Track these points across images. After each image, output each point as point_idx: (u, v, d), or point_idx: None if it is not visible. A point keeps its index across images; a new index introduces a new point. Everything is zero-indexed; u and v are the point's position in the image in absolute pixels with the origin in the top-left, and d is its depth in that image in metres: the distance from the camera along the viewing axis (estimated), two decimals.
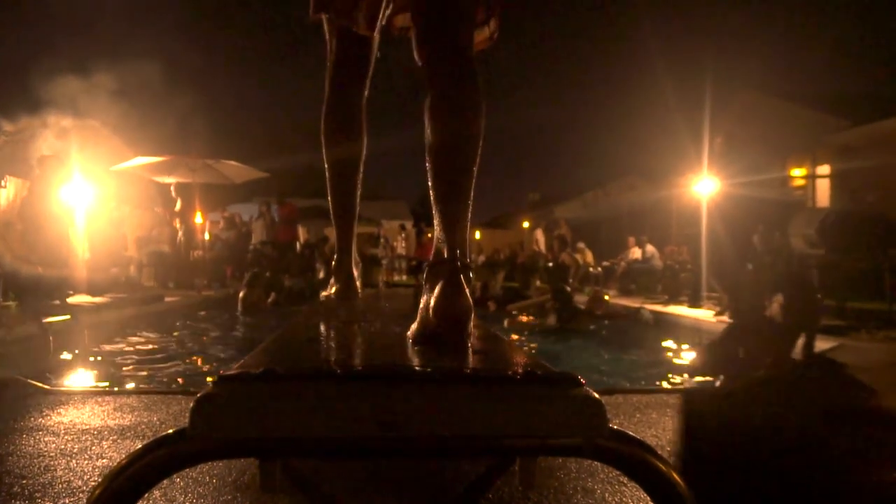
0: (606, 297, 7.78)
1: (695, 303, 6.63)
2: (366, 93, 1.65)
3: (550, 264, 13.79)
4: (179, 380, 4.11)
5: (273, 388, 0.77)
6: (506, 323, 6.91)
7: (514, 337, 6.44)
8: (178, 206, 10.27)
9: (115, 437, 2.00)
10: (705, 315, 6.28)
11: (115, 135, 11.38)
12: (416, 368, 0.94)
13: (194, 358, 4.88)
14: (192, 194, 10.21)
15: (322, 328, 1.48)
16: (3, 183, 7.45)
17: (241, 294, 8.02)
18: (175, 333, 6.04)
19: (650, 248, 11.51)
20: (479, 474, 1.57)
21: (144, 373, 4.22)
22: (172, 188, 10.38)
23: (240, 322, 7.29)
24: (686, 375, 4.59)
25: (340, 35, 1.53)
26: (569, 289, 7.40)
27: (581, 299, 7.68)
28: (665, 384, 4.30)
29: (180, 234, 10.20)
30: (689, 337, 5.98)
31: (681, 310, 6.74)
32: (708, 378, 4.31)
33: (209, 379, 4.15)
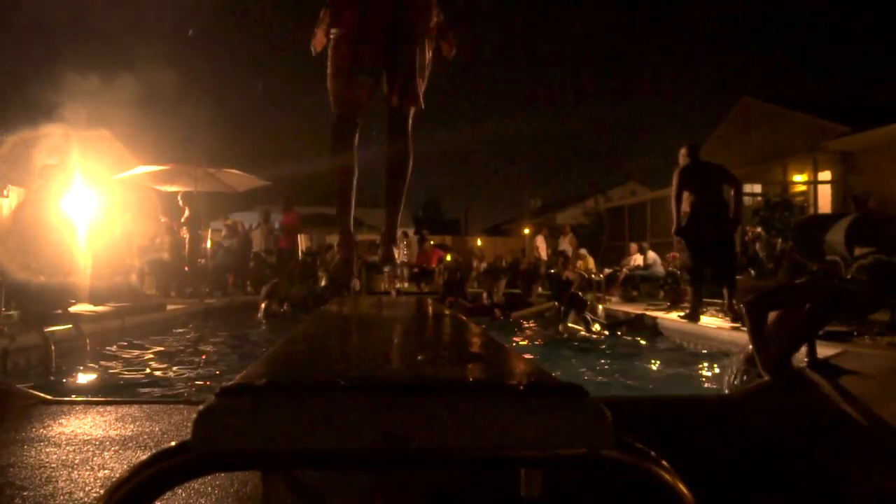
0: (600, 307, 7.77)
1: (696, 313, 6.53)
2: (357, 137, 2.41)
3: (553, 271, 13.79)
4: (183, 389, 4.10)
5: (276, 400, 0.77)
6: (560, 328, 6.79)
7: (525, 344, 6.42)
8: (186, 214, 10.30)
9: (117, 447, 1.99)
10: (707, 322, 6.26)
11: (122, 143, 11.41)
12: (420, 380, 0.94)
13: (197, 367, 4.87)
14: (197, 203, 10.25)
15: (324, 338, 1.47)
16: (4, 192, 7.46)
17: (262, 304, 8.20)
18: (177, 342, 6.04)
19: (651, 254, 11.50)
20: (482, 484, 1.56)
21: (146, 382, 4.21)
22: (180, 197, 10.41)
23: (242, 330, 7.28)
24: (689, 383, 4.58)
25: (341, 108, 2.32)
26: (581, 294, 7.42)
27: None
28: (670, 392, 4.28)
29: (187, 243, 10.22)
30: (691, 344, 5.97)
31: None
32: (712, 385, 4.30)
33: (208, 383, 4.15)
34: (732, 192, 6.23)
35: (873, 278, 3.11)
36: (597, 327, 6.82)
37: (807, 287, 3.19)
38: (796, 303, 3.09)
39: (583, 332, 6.61)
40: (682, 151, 6.41)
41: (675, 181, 6.29)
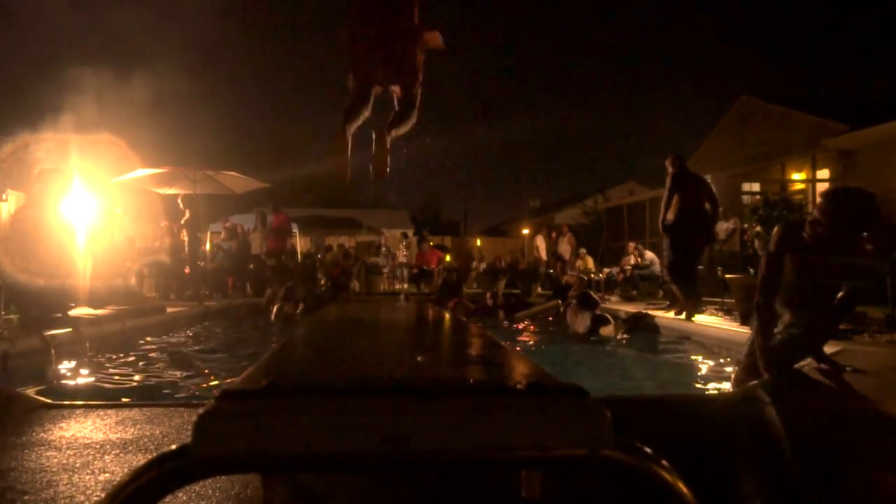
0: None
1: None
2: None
3: (551, 271, 13.80)
4: (182, 391, 4.09)
5: (275, 403, 0.77)
6: (605, 332, 6.66)
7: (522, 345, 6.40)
8: (186, 216, 10.31)
9: (117, 451, 1.99)
10: (706, 320, 6.27)
11: (124, 146, 11.40)
12: (419, 382, 0.94)
13: (197, 369, 4.87)
14: (196, 205, 10.26)
15: (322, 341, 1.47)
16: (4, 196, 7.45)
17: (275, 306, 8.31)
18: (177, 344, 6.03)
19: (649, 254, 11.51)
20: (482, 485, 1.56)
21: (147, 385, 4.20)
22: (180, 200, 10.42)
23: (241, 332, 7.28)
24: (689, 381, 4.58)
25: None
26: (600, 295, 7.39)
27: None
28: (669, 390, 4.28)
29: (186, 245, 10.22)
30: (689, 342, 5.97)
31: (680, 315, 6.71)
32: (711, 384, 4.30)
33: (209, 386, 4.14)
34: (710, 208, 6.72)
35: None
36: (614, 329, 6.73)
37: (776, 237, 3.19)
38: (781, 252, 3.10)
39: (608, 335, 6.54)
40: (669, 160, 6.88)
41: (668, 183, 6.79)
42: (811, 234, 3.08)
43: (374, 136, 2.93)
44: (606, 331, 6.54)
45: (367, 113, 2.97)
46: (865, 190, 3.09)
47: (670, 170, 6.84)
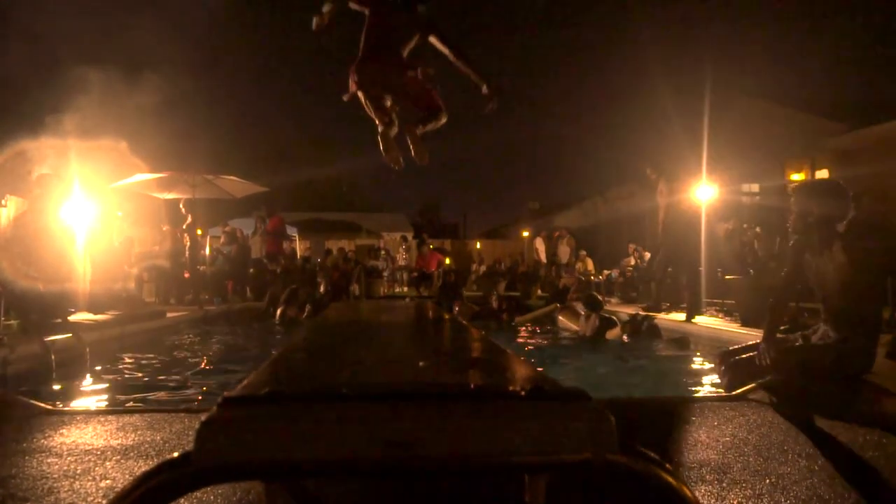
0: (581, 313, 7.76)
1: (694, 311, 6.65)
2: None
3: (548, 274, 13.81)
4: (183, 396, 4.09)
5: (277, 410, 0.76)
6: (611, 334, 6.63)
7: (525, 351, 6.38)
8: (189, 221, 10.32)
9: (118, 457, 1.99)
10: (707, 322, 6.27)
11: (124, 151, 11.37)
12: (422, 387, 0.94)
13: (197, 375, 4.86)
14: (196, 209, 10.28)
15: (324, 346, 1.47)
16: (3, 202, 7.45)
17: (279, 309, 8.33)
18: (177, 350, 6.03)
19: (648, 255, 11.53)
20: (486, 491, 1.56)
21: (147, 391, 4.20)
22: (182, 204, 10.43)
23: (242, 337, 7.27)
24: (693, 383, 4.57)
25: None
26: (600, 297, 7.45)
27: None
28: (670, 392, 4.28)
29: (187, 249, 10.22)
30: (690, 344, 5.97)
31: (681, 317, 6.71)
32: (714, 386, 4.29)
33: (210, 391, 4.13)
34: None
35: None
36: (620, 331, 6.72)
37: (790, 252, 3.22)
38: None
39: (614, 337, 6.53)
40: (650, 169, 7.36)
41: (665, 188, 7.10)
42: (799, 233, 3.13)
43: (406, 134, 3.27)
44: (613, 333, 6.53)
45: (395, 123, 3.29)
46: (838, 182, 3.13)
47: (654, 177, 7.24)
